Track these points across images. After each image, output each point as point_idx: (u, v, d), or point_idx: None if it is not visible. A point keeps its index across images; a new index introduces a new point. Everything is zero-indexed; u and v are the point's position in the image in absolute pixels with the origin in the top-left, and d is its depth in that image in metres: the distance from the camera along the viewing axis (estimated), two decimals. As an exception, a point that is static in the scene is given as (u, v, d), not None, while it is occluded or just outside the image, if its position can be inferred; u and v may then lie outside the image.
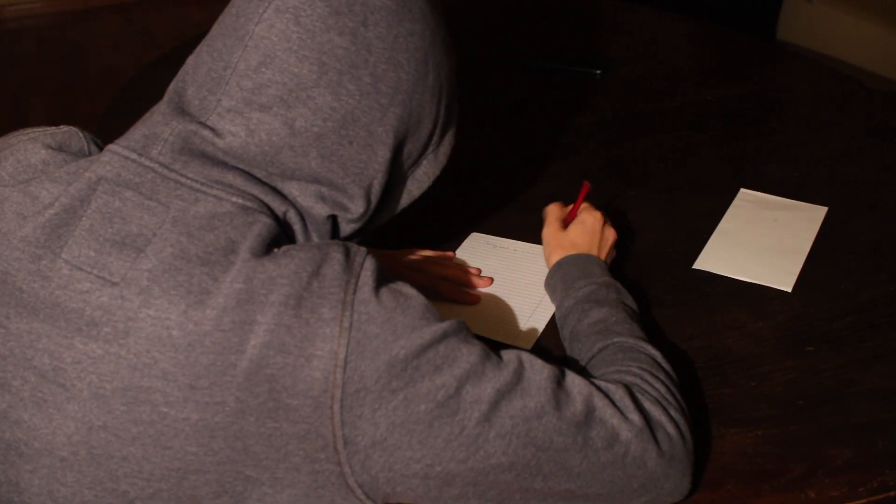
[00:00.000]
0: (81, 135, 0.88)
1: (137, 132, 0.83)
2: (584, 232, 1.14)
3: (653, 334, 1.09)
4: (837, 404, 0.99)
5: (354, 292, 0.76)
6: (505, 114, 1.62)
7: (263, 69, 0.81)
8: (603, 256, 1.12)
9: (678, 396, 0.89)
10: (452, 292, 1.16)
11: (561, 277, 1.09)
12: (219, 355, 0.73)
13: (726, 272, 1.19)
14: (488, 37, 1.91)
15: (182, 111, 0.83)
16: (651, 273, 1.20)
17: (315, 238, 0.85)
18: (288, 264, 0.76)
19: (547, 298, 1.14)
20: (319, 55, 0.81)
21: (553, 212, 1.19)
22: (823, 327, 1.10)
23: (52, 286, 0.76)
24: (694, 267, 1.21)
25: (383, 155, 0.85)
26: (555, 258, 1.13)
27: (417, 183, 0.93)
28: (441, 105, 0.89)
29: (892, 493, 0.89)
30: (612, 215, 1.21)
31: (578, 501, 0.82)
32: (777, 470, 0.92)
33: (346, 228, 0.88)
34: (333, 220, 0.86)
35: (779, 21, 2.77)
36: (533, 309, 1.13)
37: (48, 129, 0.89)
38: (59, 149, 0.85)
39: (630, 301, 1.04)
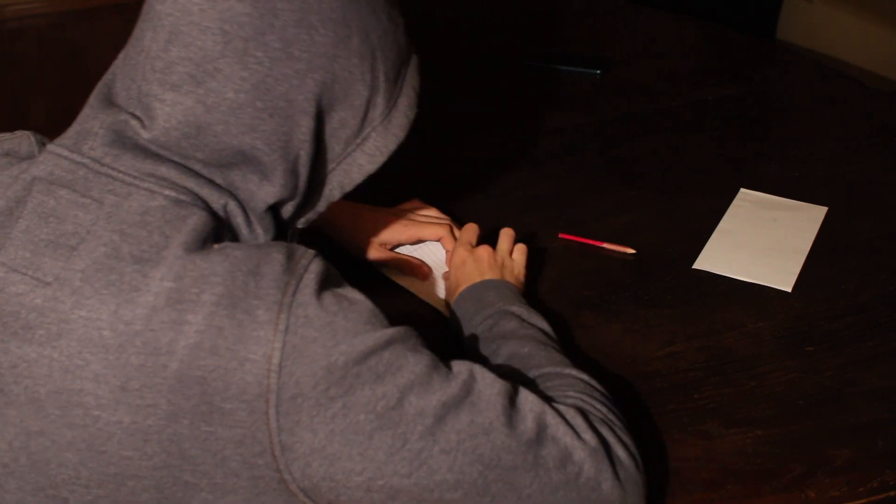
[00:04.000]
0: (33, 139, 0.86)
1: (71, 129, 0.82)
2: (465, 266, 1.10)
3: (653, 335, 1.09)
4: (837, 404, 0.99)
5: (294, 294, 0.73)
6: (505, 114, 1.62)
7: (171, 47, 0.78)
8: (502, 276, 1.08)
9: (620, 416, 0.86)
10: (412, 270, 1.18)
11: (461, 316, 1.05)
12: (149, 356, 0.71)
13: (726, 272, 1.19)
14: (488, 37, 1.91)
15: (110, 103, 0.81)
16: (651, 273, 1.20)
17: (259, 230, 0.82)
18: (222, 262, 0.73)
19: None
20: (221, 24, 0.77)
21: (463, 236, 1.16)
22: (823, 327, 1.10)
23: None
24: (694, 267, 1.21)
25: (307, 124, 0.80)
26: (451, 298, 1.09)
27: (369, 157, 0.86)
28: (378, 71, 0.84)
29: (892, 493, 0.89)
30: (609, 214, 1.21)
31: None
32: (777, 470, 0.92)
33: (290, 212, 0.85)
34: (275, 207, 0.83)
35: (779, 21, 2.77)
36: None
37: (2, 135, 0.88)
38: (6, 154, 0.84)
39: (536, 319, 0.99)
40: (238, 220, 0.80)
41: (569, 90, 1.68)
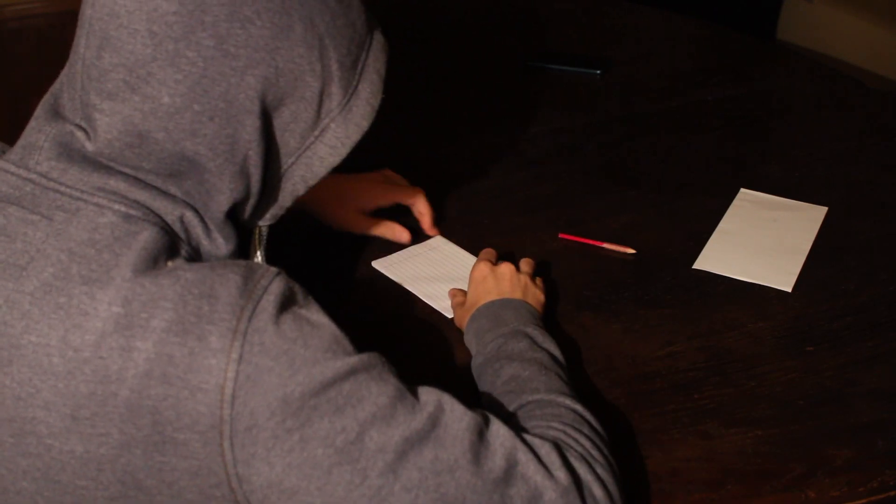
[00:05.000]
0: None
1: (18, 144, 0.78)
2: (484, 285, 1.06)
3: (653, 335, 1.09)
4: (837, 404, 0.99)
5: (249, 319, 0.69)
6: (505, 114, 1.62)
7: (103, 54, 0.74)
8: (522, 297, 1.04)
9: (604, 451, 0.82)
10: (394, 233, 1.20)
11: (474, 332, 1.01)
12: (99, 384, 0.69)
13: (726, 272, 1.19)
14: (489, 37, 1.91)
15: (56, 114, 0.78)
16: (651, 273, 1.20)
17: (219, 238, 0.79)
18: (172, 285, 0.70)
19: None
20: (149, 25, 0.73)
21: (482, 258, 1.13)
22: (823, 327, 1.10)
23: None
24: (694, 267, 1.20)
25: (252, 124, 0.76)
26: (468, 315, 1.05)
27: (330, 149, 0.82)
28: (327, 58, 0.79)
29: (892, 493, 0.89)
30: (609, 214, 1.21)
31: None
32: (777, 470, 0.92)
33: (248, 212, 0.82)
34: (233, 212, 0.80)
35: (779, 21, 2.77)
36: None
37: None
38: None
39: (548, 344, 0.96)
40: (196, 230, 0.77)
41: (569, 90, 1.68)
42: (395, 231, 1.22)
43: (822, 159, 1.45)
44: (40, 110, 0.79)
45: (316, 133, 0.81)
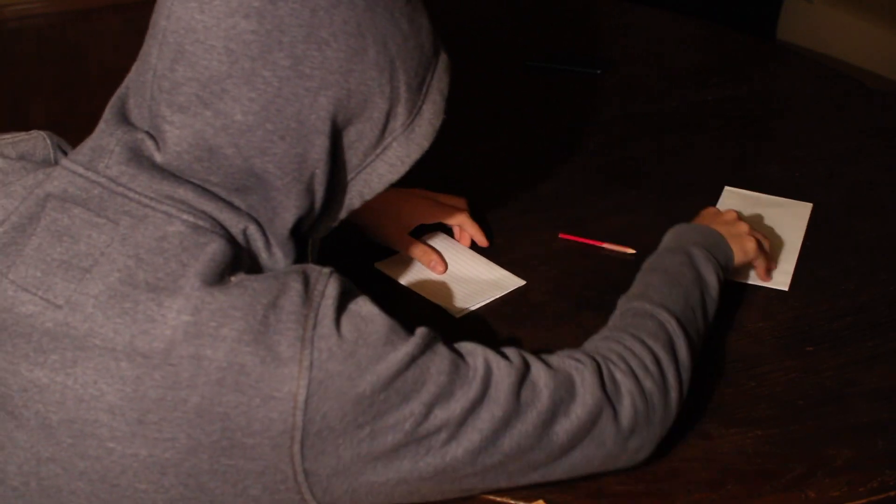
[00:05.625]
0: (48, 141, 0.84)
1: (86, 145, 0.79)
2: (729, 221, 1.13)
3: (653, 334, 1.09)
4: (837, 404, 0.99)
5: (314, 328, 0.72)
6: (505, 114, 1.62)
7: (177, 67, 0.75)
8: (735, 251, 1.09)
9: (664, 366, 0.87)
10: (430, 260, 1.17)
11: (677, 233, 1.09)
12: (168, 390, 0.70)
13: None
14: (489, 37, 1.91)
15: (125, 119, 0.79)
16: (651, 273, 1.20)
17: (279, 254, 0.80)
18: (241, 295, 0.72)
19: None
20: (226, 43, 0.73)
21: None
22: (823, 327, 1.10)
23: None
24: None
25: (321, 144, 0.77)
26: (699, 218, 1.14)
27: (389, 166, 0.83)
28: (396, 80, 0.80)
29: (892, 493, 0.89)
30: (609, 214, 1.21)
31: (539, 480, 0.83)
32: (777, 470, 0.92)
33: (308, 226, 0.83)
34: (295, 228, 0.81)
35: (779, 21, 2.77)
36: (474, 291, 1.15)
37: (17, 135, 0.86)
38: (22, 157, 0.82)
39: (714, 291, 1.01)
40: (258, 244, 0.78)
41: (569, 90, 1.68)
42: (430, 259, 1.19)
43: (822, 159, 1.45)
44: (109, 114, 0.80)
45: (378, 151, 0.83)
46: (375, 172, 0.83)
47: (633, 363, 0.86)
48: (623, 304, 0.98)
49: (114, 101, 0.81)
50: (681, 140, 1.51)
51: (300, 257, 0.84)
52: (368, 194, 0.85)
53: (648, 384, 0.85)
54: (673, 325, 0.91)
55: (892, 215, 1.31)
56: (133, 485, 0.71)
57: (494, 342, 1.07)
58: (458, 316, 1.12)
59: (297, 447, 0.71)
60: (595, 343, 0.90)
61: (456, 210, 1.23)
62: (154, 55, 0.76)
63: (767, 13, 2.78)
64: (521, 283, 1.17)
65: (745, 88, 1.67)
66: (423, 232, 1.25)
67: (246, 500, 0.72)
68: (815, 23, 2.68)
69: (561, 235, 1.27)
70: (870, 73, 2.43)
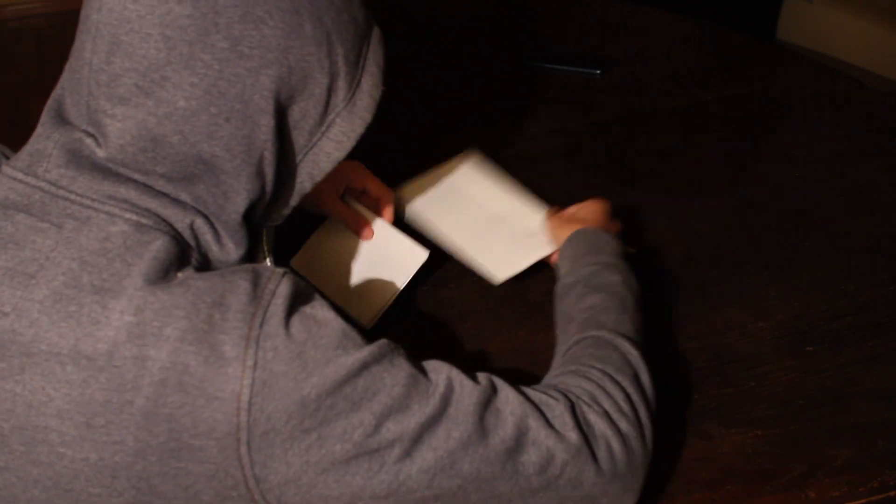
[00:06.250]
0: None
1: (25, 150, 0.78)
2: (594, 211, 1.13)
3: (652, 335, 1.09)
4: (837, 404, 0.99)
5: (261, 326, 0.70)
6: (505, 114, 1.62)
7: (113, 59, 0.74)
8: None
9: (636, 405, 0.84)
10: (354, 221, 1.14)
11: (572, 251, 1.07)
12: (114, 392, 0.69)
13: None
14: (488, 37, 1.91)
15: (62, 120, 0.78)
16: (651, 273, 1.20)
17: (230, 244, 0.79)
18: (184, 294, 0.71)
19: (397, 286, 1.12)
20: (162, 30, 0.72)
21: (552, 212, 1.18)
22: (823, 327, 1.10)
23: None
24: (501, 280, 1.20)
25: (267, 123, 0.76)
26: (566, 234, 1.10)
27: (336, 143, 0.83)
28: (334, 54, 0.79)
29: (892, 493, 0.89)
30: (620, 216, 1.21)
31: None
32: (777, 470, 0.92)
33: (260, 213, 0.82)
34: (247, 214, 0.80)
35: (779, 21, 2.77)
36: (386, 294, 1.11)
37: None
38: None
39: (634, 282, 1.01)
40: (206, 237, 0.78)
41: (569, 90, 1.68)
42: (359, 225, 1.16)
43: (822, 159, 1.45)
44: (45, 116, 0.79)
45: (322, 129, 0.82)
46: (323, 151, 0.83)
47: (606, 404, 0.83)
48: (574, 328, 0.95)
49: (49, 103, 0.80)
50: (681, 140, 1.51)
51: (254, 249, 0.83)
52: (318, 175, 0.84)
53: (624, 425, 0.82)
54: (635, 357, 0.89)
55: (892, 215, 1.31)
56: (86, 489, 0.71)
57: (493, 342, 1.07)
58: (368, 326, 1.09)
59: (244, 449, 0.70)
60: (561, 378, 0.87)
61: (383, 186, 1.19)
62: (88, 50, 0.75)
63: (767, 13, 2.78)
64: (425, 255, 1.12)
65: (745, 88, 1.67)
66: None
67: None
68: (815, 23, 2.68)
69: (561, 235, 1.27)
70: (870, 73, 2.43)
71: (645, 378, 0.88)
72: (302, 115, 0.80)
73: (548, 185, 1.40)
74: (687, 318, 1.12)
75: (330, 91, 0.80)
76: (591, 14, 1.97)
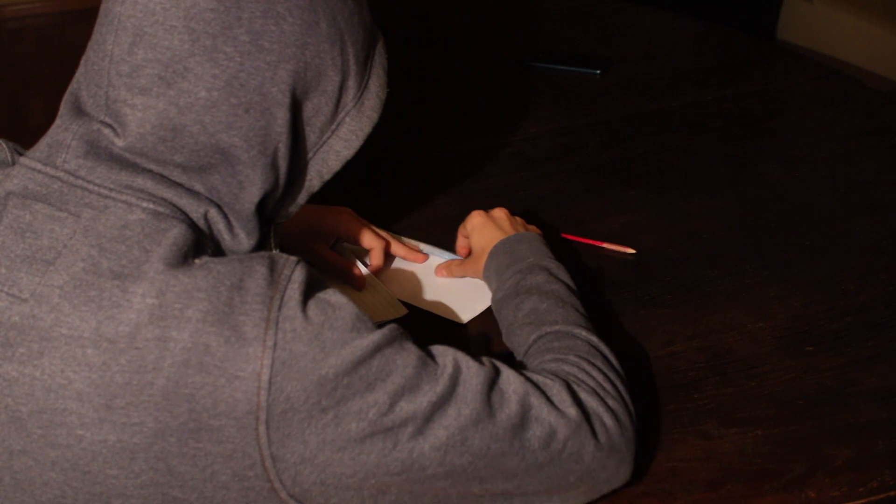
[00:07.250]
0: (4, 146, 0.84)
1: (43, 141, 0.80)
2: (499, 219, 1.14)
3: (653, 335, 1.09)
4: (837, 404, 0.99)
5: (280, 308, 0.72)
6: (505, 114, 1.62)
7: (136, 50, 0.76)
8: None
9: (616, 383, 0.88)
10: (345, 271, 1.17)
11: (494, 269, 1.08)
12: (134, 374, 0.70)
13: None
14: (488, 37, 1.91)
15: (80, 112, 0.79)
16: (651, 273, 1.20)
17: (242, 235, 0.81)
18: (205, 277, 0.72)
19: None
20: (187, 22, 0.75)
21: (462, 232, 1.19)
22: (823, 327, 1.10)
23: None
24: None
25: (283, 116, 0.79)
26: (485, 253, 1.11)
27: (344, 142, 0.86)
28: (346, 54, 0.82)
29: (892, 493, 0.89)
30: (609, 214, 1.21)
31: (516, 499, 0.81)
32: (777, 470, 0.92)
33: (271, 207, 0.84)
34: (260, 205, 0.82)
35: (779, 21, 2.77)
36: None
37: None
38: None
39: (563, 276, 1.03)
40: (219, 227, 0.79)
41: (569, 90, 1.68)
42: (351, 276, 1.18)
43: (822, 159, 1.45)
44: (64, 108, 0.80)
45: (333, 127, 0.85)
46: (332, 150, 0.85)
47: (592, 383, 0.86)
48: (527, 331, 0.96)
49: (67, 96, 0.81)
50: (681, 140, 1.51)
51: (261, 246, 0.85)
52: (327, 173, 0.87)
53: (611, 402, 0.85)
54: (595, 341, 0.92)
55: (891, 215, 1.31)
56: (104, 471, 0.72)
57: (492, 342, 1.07)
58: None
59: (262, 428, 0.71)
60: (543, 366, 0.90)
61: (376, 236, 1.20)
62: (109, 41, 0.77)
63: (767, 13, 2.78)
64: (404, 311, 1.13)
65: (745, 88, 1.67)
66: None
67: (215, 487, 0.73)
68: (815, 23, 2.68)
69: (562, 235, 1.27)
70: (870, 73, 2.43)
71: (613, 359, 0.91)
72: (315, 111, 0.82)
73: (548, 185, 1.40)
74: (687, 318, 1.12)
75: (341, 89, 0.83)
76: (591, 14, 1.97)
